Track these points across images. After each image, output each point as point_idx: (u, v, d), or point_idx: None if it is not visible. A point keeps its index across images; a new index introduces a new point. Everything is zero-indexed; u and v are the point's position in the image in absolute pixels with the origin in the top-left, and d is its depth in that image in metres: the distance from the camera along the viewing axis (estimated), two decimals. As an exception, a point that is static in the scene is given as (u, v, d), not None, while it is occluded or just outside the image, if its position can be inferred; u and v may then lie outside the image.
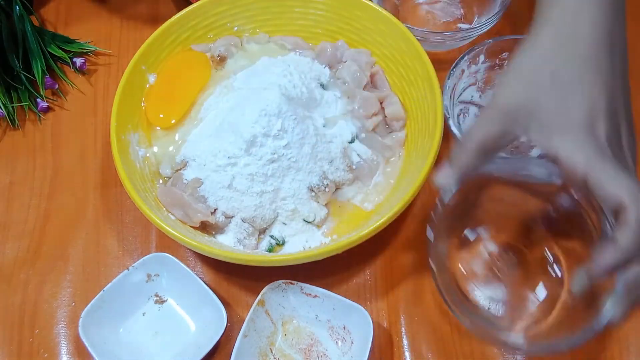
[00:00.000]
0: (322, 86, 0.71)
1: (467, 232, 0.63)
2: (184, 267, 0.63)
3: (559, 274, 0.64)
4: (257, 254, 0.64)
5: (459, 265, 0.63)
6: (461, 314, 0.57)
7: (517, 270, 0.63)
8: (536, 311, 0.62)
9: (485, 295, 0.63)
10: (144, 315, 0.65)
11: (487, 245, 0.63)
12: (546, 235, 0.64)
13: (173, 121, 0.71)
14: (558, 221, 0.64)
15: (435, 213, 0.58)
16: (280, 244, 0.66)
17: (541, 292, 0.62)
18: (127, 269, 0.64)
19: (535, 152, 0.72)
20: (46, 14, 0.86)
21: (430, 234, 0.58)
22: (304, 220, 0.66)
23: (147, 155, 0.69)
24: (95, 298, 0.62)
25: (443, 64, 0.77)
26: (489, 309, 0.64)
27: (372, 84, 0.74)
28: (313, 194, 0.65)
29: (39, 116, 0.78)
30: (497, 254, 0.63)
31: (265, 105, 0.63)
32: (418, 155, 0.66)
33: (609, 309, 0.50)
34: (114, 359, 0.61)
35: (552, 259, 0.63)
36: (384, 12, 0.71)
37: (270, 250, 0.65)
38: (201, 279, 0.63)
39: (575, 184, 0.50)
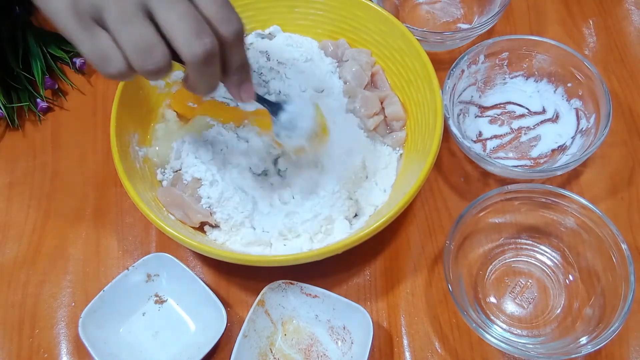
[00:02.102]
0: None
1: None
2: (184, 267, 0.63)
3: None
4: (257, 254, 0.64)
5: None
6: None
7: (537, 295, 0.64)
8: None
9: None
10: (144, 315, 0.65)
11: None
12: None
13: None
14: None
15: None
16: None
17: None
18: (127, 269, 0.64)
19: (535, 152, 0.72)
20: (46, 14, 0.86)
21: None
22: None
23: (147, 155, 0.69)
24: (95, 298, 0.62)
25: (443, 64, 0.77)
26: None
27: (372, 83, 0.74)
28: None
29: (39, 116, 0.78)
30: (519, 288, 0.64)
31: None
32: (418, 155, 0.66)
33: None
34: (114, 359, 0.61)
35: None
36: (384, 12, 0.71)
37: None
38: (201, 279, 0.63)
39: None
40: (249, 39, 0.76)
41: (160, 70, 0.47)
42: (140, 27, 0.45)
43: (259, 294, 0.62)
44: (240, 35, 0.49)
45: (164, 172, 0.69)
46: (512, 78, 0.75)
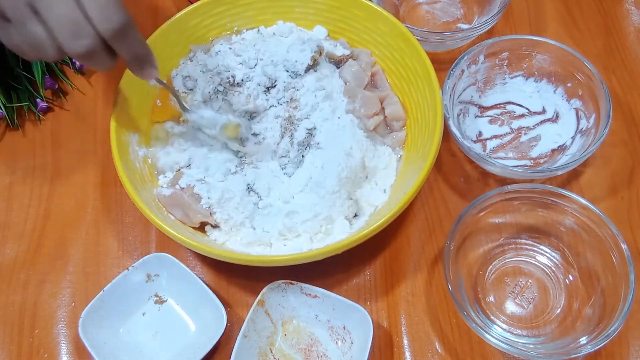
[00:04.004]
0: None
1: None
2: (184, 267, 0.63)
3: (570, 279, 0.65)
4: (257, 254, 0.64)
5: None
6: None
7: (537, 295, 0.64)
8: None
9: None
10: (144, 315, 0.65)
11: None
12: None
13: None
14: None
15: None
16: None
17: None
18: (127, 269, 0.64)
19: (535, 152, 0.72)
20: (46, 14, 0.86)
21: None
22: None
23: (147, 155, 0.69)
24: (95, 298, 0.62)
25: (443, 64, 0.77)
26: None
27: (372, 83, 0.74)
28: None
29: (39, 116, 0.78)
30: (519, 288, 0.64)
31: None
32: (418, 155, 0.66)
33: None
34: (114, 359, 0.61)
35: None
36: (384, 12, 0.71)
37: None
38: (201, 279, 0.63)
39: None
40: (248, 35, 0.76)
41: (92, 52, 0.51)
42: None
43: (259, 294, 0.62)
44: (120, 32, 0.52)
45: (164, 174, 0.69)
46: (512, 78, 0.75)
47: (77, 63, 0.81)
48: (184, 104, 0.68)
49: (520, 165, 0.71)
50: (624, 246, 0.59)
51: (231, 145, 0.68)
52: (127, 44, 0.54)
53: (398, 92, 0.72)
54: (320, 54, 0.71)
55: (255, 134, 0.69)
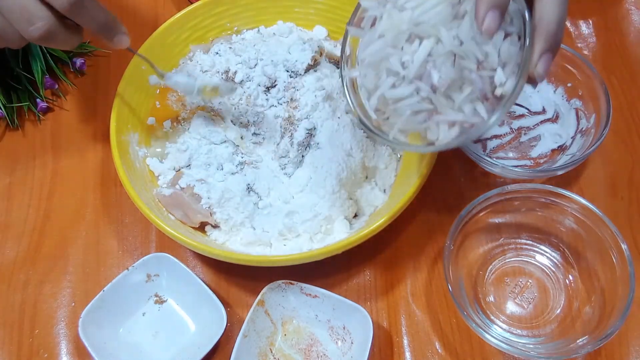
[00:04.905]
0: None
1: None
2: (184, 267, 0.63)
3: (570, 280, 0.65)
4: (257, 254, 0.64)
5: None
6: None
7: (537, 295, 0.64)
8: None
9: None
10: (143, 315, 0.65)
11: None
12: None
13: None
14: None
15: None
16: None
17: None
18: (127, 269, 0.64)
19: (535, 152, 0.72)
20: (46, 14, 0.86)
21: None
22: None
23: (147, 155, 0.69)
24: (95, 298, 0.62)
25: (443, 64, 0.77)
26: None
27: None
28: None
29: (39, 116, 0.78)
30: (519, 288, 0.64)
31: None
32: (418, 155, 0.66)
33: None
34: (114, 359, 0.61)
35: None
36: (384, 12, 0.71)
37: None
38: (201, 279, 0.63)
39: None
40: (248, 35, 0.76)
41: (49, 35, 0.53)
42: None
43: (259, 294, 0.62)
44: (77, 3, 0.52)
45: (165, 175, 0.69)
46: (512, 78, 0.75)
47: (77, 63, 0.81)
48: (160, 70, 0.67)
49: (520, 165, 0.71)
50: (624, 246, 0.59)
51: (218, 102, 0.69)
52: (88, 14, 0.54)
53: (398, 92, 0.72)
54: (321, 54, 0.71)
55: (255, 134, 0.69)
